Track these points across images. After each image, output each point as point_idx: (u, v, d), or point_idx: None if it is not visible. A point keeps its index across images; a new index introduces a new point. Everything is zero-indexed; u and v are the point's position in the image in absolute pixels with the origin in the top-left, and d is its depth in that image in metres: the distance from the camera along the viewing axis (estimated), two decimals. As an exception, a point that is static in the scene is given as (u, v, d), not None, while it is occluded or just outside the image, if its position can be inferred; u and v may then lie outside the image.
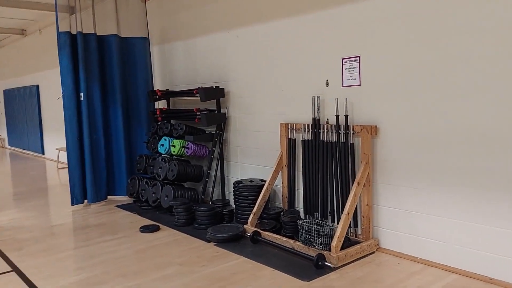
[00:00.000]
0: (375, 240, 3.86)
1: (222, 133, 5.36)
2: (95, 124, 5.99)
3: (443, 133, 3.37)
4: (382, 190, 3.83)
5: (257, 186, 4.63)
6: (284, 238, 3.98)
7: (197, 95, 5.26)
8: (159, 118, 6.01)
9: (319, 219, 4.22)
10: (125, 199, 6.23)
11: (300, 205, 4.58)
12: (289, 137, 4.57)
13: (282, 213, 4.44)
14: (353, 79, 3.96)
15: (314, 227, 3.67)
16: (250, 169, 5.18)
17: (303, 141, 4.38)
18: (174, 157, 5.47)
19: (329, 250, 3.62)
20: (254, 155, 5.10)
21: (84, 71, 5.80)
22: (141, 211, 5.51)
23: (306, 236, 3.73)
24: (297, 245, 3.84)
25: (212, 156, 5.31)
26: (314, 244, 3.67)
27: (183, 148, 5.34)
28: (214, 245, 4.18)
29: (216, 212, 4.73)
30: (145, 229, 4.67)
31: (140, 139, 6.35)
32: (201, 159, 5.76)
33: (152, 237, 4.48)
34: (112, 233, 4.67)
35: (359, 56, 3.89)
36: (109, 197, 6.26)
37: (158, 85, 6.64)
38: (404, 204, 3.68)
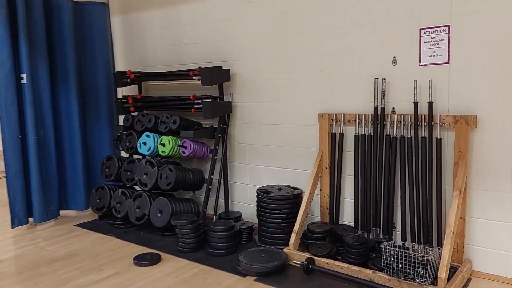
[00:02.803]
0: (470, 263, 3.02)
1: (227, 127, 4.18)
2: (42, 116, 4.46)
3: None
4: (478, 198, 2.99)
5: (293, 196, 3.55)
6: (355, 267, 2.98)
7: (195, 77, 4.02)
8: (132, 108, 4.65)
9: (386, 236, 3.29)
10: (82, 214, 4.78)
11: (347, 219, 3.61)
12: (333, 131, 3.56)
13: (331, 230, 3.43)
14: (438, 55, 3.05)
15: (413, 254, 2.71)
16: (263, 173, 4.08)
17: (357, 137, 3.40)
18: (162, 159, 4.17)
19: (432, 283, 2.69)
20: (271, 155, 4.01)
21: (27, 45, 4.25)
22: (118, 231, 4.15)
23: (397, 265, 2.77)
24: (379, 277, 2.86)
25: (215, 157, 4.12)
26: (412, 276, 2.71)
27: (177, 148, 4.07)
28: (255, 280, 3.05)
29: (236, 232, 3.58)
30: (142, 260, 3.37)
31: (99, 135, 4.91)
32: (192, 161, 4.52)
33: (157, 272, 3.21)
34: (94, 269, 3.30)
35: (448, 26, 2.99)
36: (61, 212, 4.76)
37: (121, 66, 5.22)
38: (513, 217, 2.88)
